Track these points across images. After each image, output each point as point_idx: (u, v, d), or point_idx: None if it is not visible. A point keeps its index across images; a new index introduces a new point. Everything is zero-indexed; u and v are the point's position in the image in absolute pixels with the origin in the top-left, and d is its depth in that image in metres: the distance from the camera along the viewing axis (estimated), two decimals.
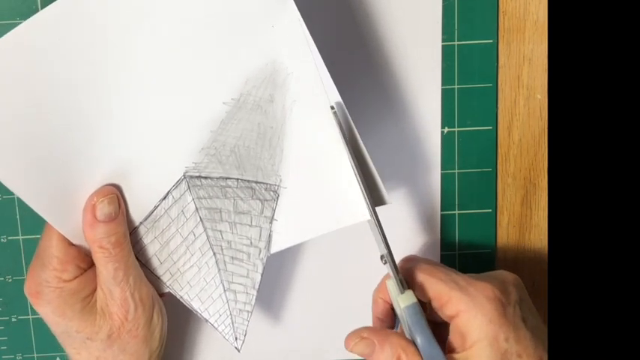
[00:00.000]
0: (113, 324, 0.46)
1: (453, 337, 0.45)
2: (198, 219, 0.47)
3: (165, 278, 0.48)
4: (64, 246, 0.46)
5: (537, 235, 0.54)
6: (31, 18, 0.42)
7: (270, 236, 0.47)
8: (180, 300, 0.48)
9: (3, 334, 0.54)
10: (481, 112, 0.52)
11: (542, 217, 0.54)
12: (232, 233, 0.47)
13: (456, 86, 0.52)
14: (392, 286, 0.45)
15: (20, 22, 0.49)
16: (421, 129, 0.52)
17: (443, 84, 0.51)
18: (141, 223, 0.47)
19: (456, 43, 0.51)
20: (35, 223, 0.52)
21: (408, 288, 0.45)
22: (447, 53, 0.51)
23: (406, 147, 0.52)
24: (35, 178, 0.44)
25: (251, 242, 0.47)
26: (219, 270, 0.48)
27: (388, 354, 0.44)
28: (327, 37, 0.50)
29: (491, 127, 0.52)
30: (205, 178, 0.46)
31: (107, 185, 0.46)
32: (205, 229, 0.47)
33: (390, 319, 0.48)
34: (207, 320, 0.48)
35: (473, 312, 0.43)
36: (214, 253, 0.48)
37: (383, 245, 0.44)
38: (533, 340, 0.44)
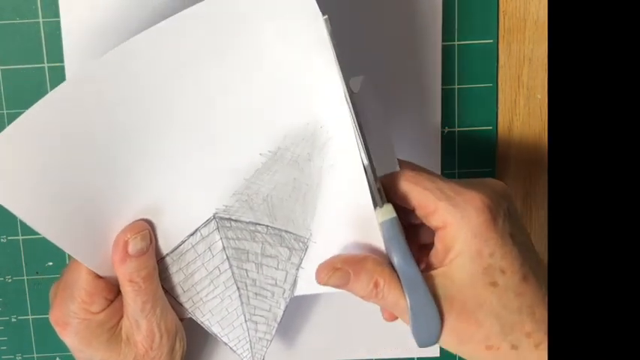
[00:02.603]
0: (137, 352, 0.46)
1: (436, 251, 0.42)
2: (225, 257, 0.47)
3: (187, 305, 0.48)
4: (92, 279, 0.45)
5: (537, 235, 0.54)
6: (76, 73, 0.43)
7: (295, 281, 0.47)
8: (201, 325, 0.48)
9: (3, 334, 0.54)
10: (481, 112, 0.52)
11: (542, 217, 0.54)
12: (258, 273, 0.47)
13: (456, 86, 0.52)
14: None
15: (20, 22, 0.50)
16: (421, 129, 0.52)
17: (443, 84, 0.51)
18: (167, 254, 0.47)
19: (456, 43, 0.51)
20: None
21: (387, 200, 0.42)
22: (447, 53, 0.51)
23: (406, 147, 0.52)
24: (62, 217, 0.44)
25: (276, 283, 0.47)
26: (241, 303, 0.48)
27: (364, 282, 0.42)
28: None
29: (491, 127, 0.52)
30: (235, 221, 0.46)
31: (139, 221, 0.46)
32: (231, 267, 0.47)
33: None
34: (226, 344, 0.49)
35: (460, 224, 0.41)
36: (238, 288, 0.48)
37: (363, 153, 0.42)
38: (519, 256, 0.41)
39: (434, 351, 0.55)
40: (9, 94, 0.50)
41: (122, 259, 0.45)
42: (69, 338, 0.46)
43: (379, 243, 0.43)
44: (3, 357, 0.54)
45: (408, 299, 0.41)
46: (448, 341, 0.42)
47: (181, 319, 0.48)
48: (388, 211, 0.42)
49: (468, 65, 0.51)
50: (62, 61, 0.50)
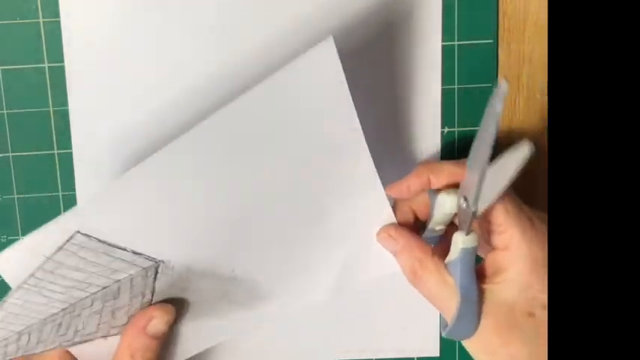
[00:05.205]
0: None
1: (485, 266, 0.45)
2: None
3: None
4: (63, 354, 0.46)
5: None
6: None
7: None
8: None
9: None
10: (481, 113, 0.52)
11: None
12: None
13: (455, 86, 0.52)
14: (459, 226, 0.44)
15: (20, 22, 0.50)
16: (421, 129, 0.52)
17: (443, 84, 0.51)
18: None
19: (456, 43, 0.51)
20: (35, 224, 0.52)
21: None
22: (447, 53, 0.51)
23: (406, 147, 0.52)
24: None
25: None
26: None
27: (406, 260, 0.45)
28: (325, 37, 0.50)
29: None
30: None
31: (170, 305, 0.46)
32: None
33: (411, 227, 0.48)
34: None
35: (524, 255, 0.43)
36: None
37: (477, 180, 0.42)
38: None
39: (434, 351, 0.55)
40: (9, 94, 0.50)
41: (139, 332, 0.45)
42: None
43: None
44: None
45: (458, 310, 0.43)
46: (473, 346, 0.44)
47: None
48: (472, 240, 0.44)
49: (468, 65, 0.51)
50: (62, 61, 0.50)
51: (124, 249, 0.45)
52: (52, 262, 0.43)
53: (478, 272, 0.44)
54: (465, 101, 0.52)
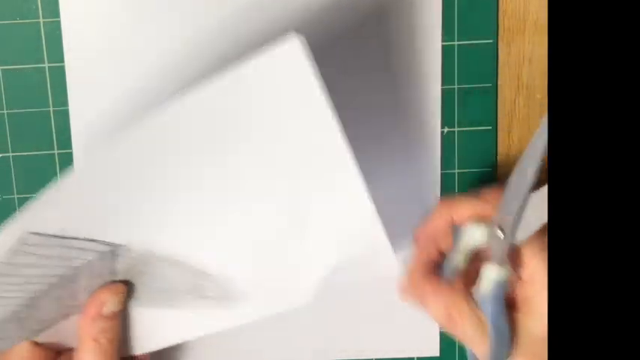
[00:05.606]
0: None
1: (513, 295, 0.44)
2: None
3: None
4: (31, 347, 0.46)
5: None
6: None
7: None
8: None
9: None
10: (481, 112, 0.52)
11: None
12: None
13: (455, 86, 0.52)
14: (494, 254, 0.44)
15: (20, 22, 0.50)
16: (421, 129, 0.52)
17: (443, 84, 0.51)
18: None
19: (456, 43, 0.51)
20: None
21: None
22: (447, 53, 0.51)
23: (406, 147, 0.52)
24: None
25: None
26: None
27: (439, 307, 0.44)
28: (326, 37, 0.50)
29: (491, 127, 0.52)
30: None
31: (119, 283, 0.46)
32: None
33: (433, 267, 0.47)
34: None
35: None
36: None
37: (515, 205, 0.42)
38: None
39: (434, 351, 0.55)
40: (9, 94, 0.50)
41: (94, 318, 0.45)
42: None
43: None
44: None
45: (491, 347, 0.43)
46: None
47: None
48: (506, 272, 0.43)
49: (468, 65, 0.51)
50: (62, 61, 0.50)
51: (80, 239, 0.44)
52: (7, 265, 0.43)
53: (507, 301, 0.44)
54: (465, 101, 0.52)
